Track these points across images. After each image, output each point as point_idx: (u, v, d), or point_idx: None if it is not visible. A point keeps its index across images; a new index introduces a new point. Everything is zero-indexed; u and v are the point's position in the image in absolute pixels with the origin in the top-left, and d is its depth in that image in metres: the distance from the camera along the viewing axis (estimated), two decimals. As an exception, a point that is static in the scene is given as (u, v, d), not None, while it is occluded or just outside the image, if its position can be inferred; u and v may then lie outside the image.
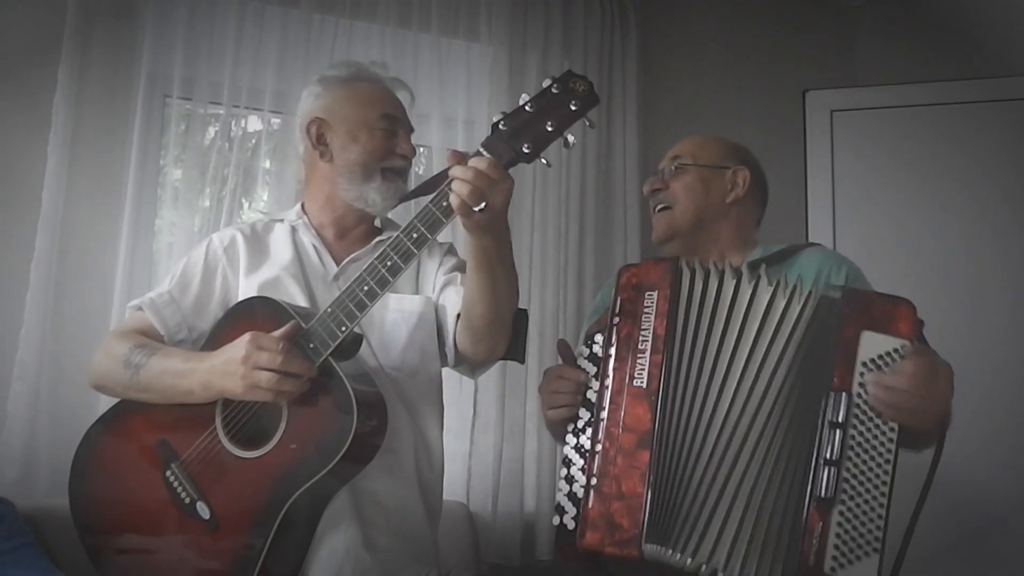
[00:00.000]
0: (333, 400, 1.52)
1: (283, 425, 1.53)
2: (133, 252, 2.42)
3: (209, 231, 2.49)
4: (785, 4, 3.38)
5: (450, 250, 1.91)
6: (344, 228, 1.85)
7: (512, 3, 2.89)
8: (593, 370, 1.60)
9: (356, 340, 1.56)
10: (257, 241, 1.83)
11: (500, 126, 1.45)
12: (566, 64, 2.93)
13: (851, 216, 3.09)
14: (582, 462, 1.55)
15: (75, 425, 2.17)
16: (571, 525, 1.52)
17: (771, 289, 1.54)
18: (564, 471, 1.58)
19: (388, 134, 1.80)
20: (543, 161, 1.48)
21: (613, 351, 1.55)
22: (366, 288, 1.51)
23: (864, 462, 1.43)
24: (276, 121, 2.66)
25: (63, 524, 1.75)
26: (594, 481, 1.49)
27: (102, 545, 1.65)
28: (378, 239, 1.84)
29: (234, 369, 1.49)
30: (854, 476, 1.42)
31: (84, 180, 2.38)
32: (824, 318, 1.50)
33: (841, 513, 1.41)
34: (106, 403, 2.10)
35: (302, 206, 1.89)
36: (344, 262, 1.79)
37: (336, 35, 2.68)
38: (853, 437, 1.44)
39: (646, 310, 1.55)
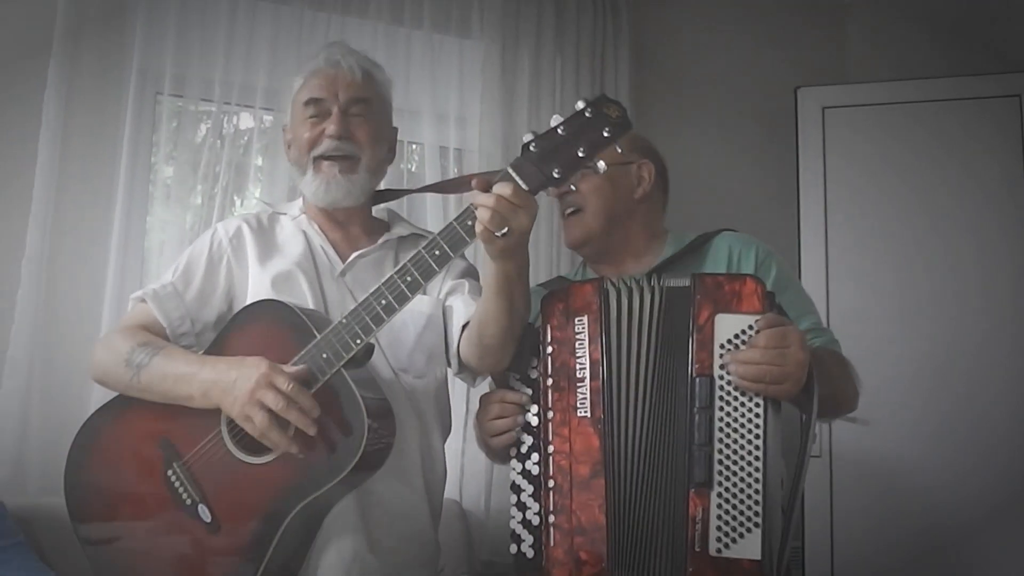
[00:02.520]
0: (343, 411, 1.50)
1: (292, 433, 1.50)
2: (124, 249, 2.41)
3: (201, 228, 2.48)
4: (777, 1, 3.39)
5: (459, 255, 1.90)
6: (337, 224, 1.83)
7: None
8: (529, 391, 1.60)
9: (368, 349, 1.54)
10: (264, 233, 1.81)
11: (531, 148, 1.41)
12: (558, 61, 2.93)
13: (843, 212, 3.09)
14: (532, 488, 1.56)
15: (66, 424, 2.16)
16: (530, 554, 1.54)
17: (640, 290, 1.55)
18: (514, 498, 1.58)
19: (315, 121, 1.75)
20: (571, 187, 1.50)
21: (551, 381, 1.55)
22: (384, 302, 1.49)
23: (735, 441, 1.45)
24: (268, 118, 2.65)
25: (54, 523, 1.74)
26: (552, 518, 1.50)
27: (96, 537, 1.63)
28: (386, 237, 1.82)
29: (236, 395, 1.47)
30: (727, 457, 1.44)
31: (75, 177, 2.37)
32: (677, 307, 1.52)
33: (719, 495, 1.43)
34: (98, 401, 2.10)
35: (303, 200, 1.88)
36: (351, 258, 1.78)
37: (328, 31, 2.67)
38: (722, 419, 1.45)
39: (578, 336, 1.54)
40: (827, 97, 3.18)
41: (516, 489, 1.58)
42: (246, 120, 2.75)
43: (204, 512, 1.54)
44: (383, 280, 1.50)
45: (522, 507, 1.57)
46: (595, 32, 2.99)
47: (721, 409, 1.46)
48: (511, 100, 2.85)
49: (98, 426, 1.68)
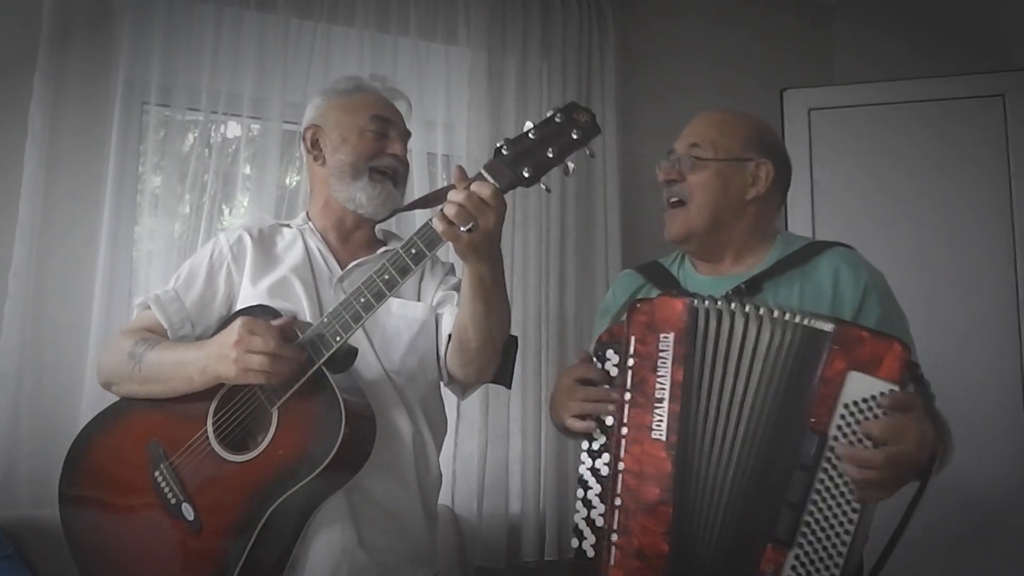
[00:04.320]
0: (323, 409, 1.53)
1: (272, 431, 1.55)
2: (112, 260, 2.41)
3: (189, 238, 2.49)
4: (762, 4, 3.41)
5: (451, 270, 1.94)
6: (345, 232, 1.88)
7: (491, 6, 2.89)
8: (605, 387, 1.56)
9: (351, 352, 1.57)
10: (264, 243, 1.85)
11: (503, 150, 1.47)
12: (545, 67, 2.94)
13: (830, 213, 3.11)
14: (599, 488, 1.53)
15: (55, 437, 2.17)
16: (590, 553, 1.51)
17: (758, 320, 1.45)
18: (581, 492, 1.54)
19: (378, 136, 1.83)
20: (543, 187, 1.51)
21: (629, 396, 1.49)
22: (362, 300, 1.54)
23: (830, 508, 1.36)
24: (255, 127, 2.65)
25: (44, 536, 1.75)
26: (615, 537, 1.46)
27: (88, 543, 1.66)
28: (384, 248, 1.87)
29: (227, 352, 1.52)
30: (817, 521, 1.36)
31: (62, 188, 2.37)
32: (803, 348, 1.42)
33: (797, 556, 1.36)
34: (87, 413, 2.10)
35: (307, 213, 1.92)
36: (350, 266, 1.82)
37: (314, 40, 2.68)
38: (823, 482, 1.36)
39: (662, 354, 1.48)
40: (813, 99, 3.20)
41: (583, 484, 1.54)
42: (233, 129, 2.75)
43: (187, 511, 1.57)
44: (363, 281, 1.55)
45: (587, 504, 1.53)
46: (581, 38, 3.00)
47: (825, 471, 1.36)
48: (498, 107, 2.86)
49: (91, 435, 1.72)
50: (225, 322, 1.70)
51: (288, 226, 1.91)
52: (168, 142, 2.58)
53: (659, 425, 1.46)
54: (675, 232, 1.80)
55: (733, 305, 1.47)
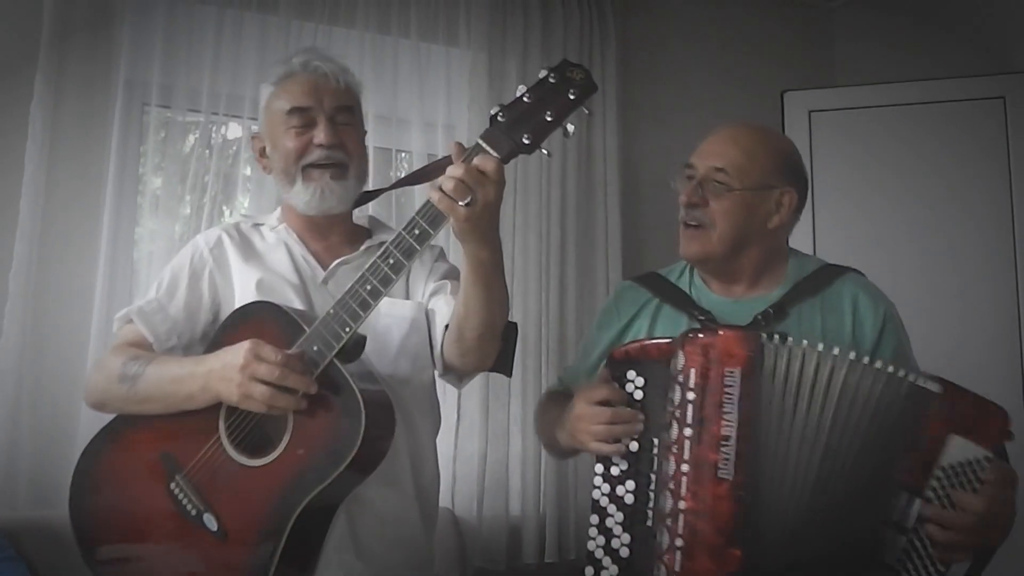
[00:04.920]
0: (340, 402, 1.49)
1: (289, 431, 1.49)
2: (113, 261, 2.41)
3: (190, 239, 2.47)
4: (763, 5, 3.41)
5: (440, 255, 1.88)
6: (320, 231, 1.81)
7: (491, 7, 2.89)
8: (642, 416, 1.49)
9: (360, 341, 1.52)
10: (245, 243, 1.80)
11: (499, 117, 1.43)
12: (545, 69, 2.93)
13: (830, 216, 3.11)
14: (622, 516, 1.46)
15: (56, 437, 2.17)
16: None
17: (847, 362, 1.41)
18: (596, 518, 1.48)
19: (300, 130, 1.71)
20: (544, 152, 1.45)
21: (689, 432, 1.40)
22: (369, 287, 1.48)
23: (915, 567, 1.35)
24: (256, 128, 2.65)
25: (45, 537, 1.74)
26: None
27: (108, 562, 1.61)
28: (367, 244, 1.81)
29: (231, 375, 1.46)
30: None
31: (62, 189, 2.36)
32: (907, 407, 1.39)
33: None
34: (88, 415, 2.10)
35: (282, 211, 1.86)
36: (332, 265, 1.76)
37: (315, 41, 2.66)
38: (911, 541, 1.35)
39: (727, 390, 1.40)
40: (813, 101, 3.20)
41: (600, 511, 1.48)
42: (234, 130, 2.76)
43: (210, 521, 1.52)
44: (367, 267, 1.49)
45: (606, 532, 1.47)
46: (582, 40, 2.99)
47: (915, 531, 1.35)
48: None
49: (99, 449, 1.66)
50: (224, 326, 1.65)
51: (263, 224, 1.85)
52: (169, 143, 2.58)
53: (725, 464, 1.38)
54: (693, 253, 1.75)
55: (805, 344, 1.42)
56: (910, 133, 3.10)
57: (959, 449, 1.35)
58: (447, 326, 1.68)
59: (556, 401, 1.81)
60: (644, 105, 3.15)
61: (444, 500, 2.63)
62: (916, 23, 3.30)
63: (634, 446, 1.47)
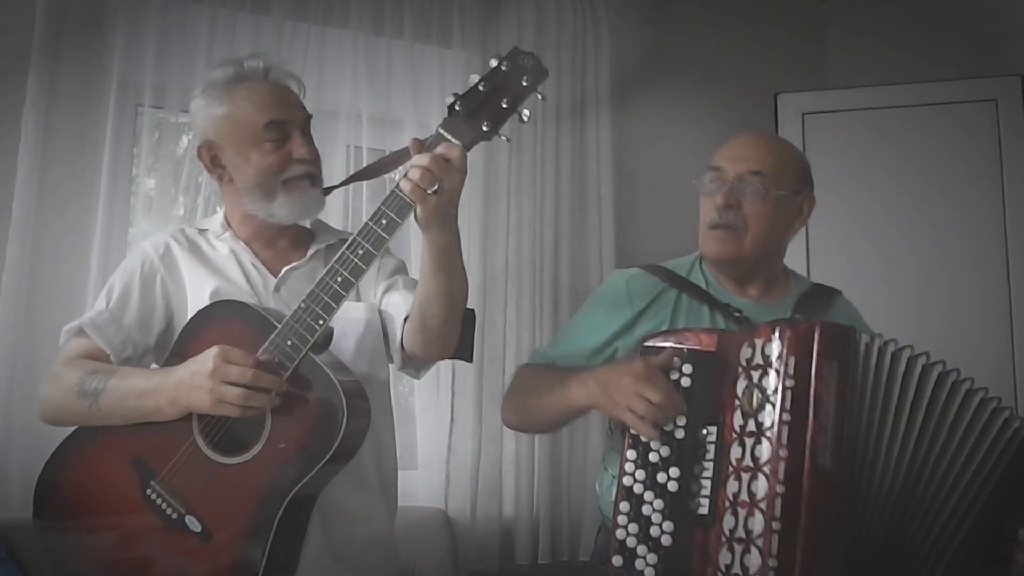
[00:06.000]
0: (319, 393, 1.50)
1: (268, 426, 1.50)
2: (106, 263, 2.40)
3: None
4: (756, 8, 3.41)
5: (386, 251, 1.83)
6: (269, 239, 1.79)
7: (485, 9, 2.89)
8: (684, 406, 1.47)
9: (328, 333, 1.55)
10: (194, 249, 1.77)
11: (456, 107, 1.48)
12: (540, 70, 2.94)
13: (823, 217, 3.09)
14: (661, 504, 1.44)
15: (48, 438, 2.14)
16: (649, 574, 1.42)
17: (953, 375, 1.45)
18: (626, 506, 1.46)
19: (277, 144, 1.69)
20: (503, 137, 1.51)
21: (788, 418, 1.38)
22: (340, 279, 1.49)
23: None
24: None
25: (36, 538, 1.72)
26: (772, 563, 1.35)
27: (87, 572, 1.57)
28: (314, 248, 1.80)
29: (201, 383, 1.46)
30: None
31: (55, 191, 2.36)
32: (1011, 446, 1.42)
33: None
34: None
35: (225, 219, 1.81)
36: (283, 271, 1.75)
37: (308, 42, 2.67)
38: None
39: (826, 381, 1.39)
40: (806, 103, 3.21)
41: (634, 498, 1.46)
42: (228, 131, 2.75)
43: (193, 523, 1.51)
44: (335, 259, 1.51)
45: (639, 519, 1.45)
46: (575, 41, 3.00)
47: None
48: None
49: (66, 458, 1.63)
50: (188, 330, 1.62)
51: (207, 230, 1.81)
52: (162, 144, 2.58)
53: (824, 451, 1.37)
54: (723, 254, 1.76)
55: (911, 347, 1.46)
56: (903, 135, 3.12)
57: None
58: (406, 318, 1.68)
59: (548, 372, 1.76)
60: (637, 105, 3.15)
61: (437, 501, 2.64)
62: (908, 25, 3.31)
63: (680, 433, 1.46)
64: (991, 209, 3.00)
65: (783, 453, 1.36)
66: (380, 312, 1.77)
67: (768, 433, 1.39)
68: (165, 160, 2.55)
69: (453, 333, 1.64)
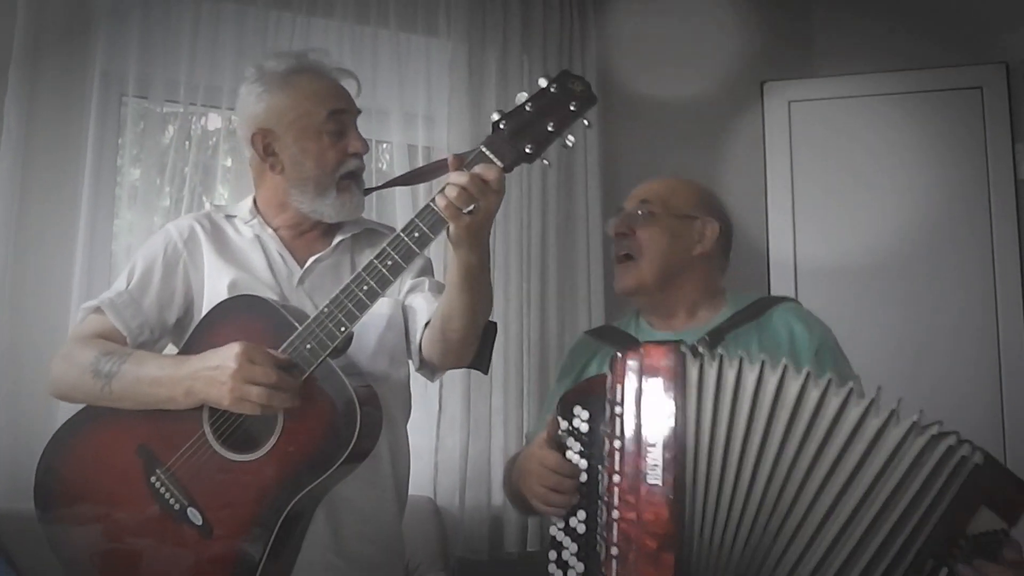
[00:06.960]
0: (333, 398, 1.49)
1: (279, 427, 1.48)
2: (91, 255, 2.40)
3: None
4: (742, -3, 3.41)
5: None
6: (301, 230, 1.77)
7: (471, -2, 2.89)
8: (578, 447, 1.50)
9: (348, 338, 1.53)
10: (218, 235, 1.75)
11: (500, 126, 1.44)
12: (525, 60, 2.95)
13: (810, 206, 3.13)
14: (576, 547, 1.47)
15: (34, 429, 2.16)
16: None
17: (805, 377, 1.38)
18: (554, 554, 1.49)
19: (337, 136, 1.68)
20: (545, 162, 1.48)
21: (619, 444, 1.40)
22: (366, 288, 1.47)
23: None
24: (235, 119, 2.64)
25: (23, 529, 1.71)
26: None
27: (84, 560, 1.56)
28: (339, 238, 1.77)
29: (223, 379, 1.43)
30: None
31: (39, 183, 2.35)
32: (947, 473, 1.36)
33: None
34: (66, 407, 2.08)
35: (255, 203, 1.78)
36: (308, 263, 1.72)
37: (294, 32, 2.66)
38: None
39: (651, 398, 1.40)
40: (793, 91, 3.22)
41: (556, 546, 1.49)
42: (214, 121, 2.75)
43: (195, 515, 1.50)
44: (363, 267, 1.49)
45: (563, 566, 1.48)
46: (562, 31, 3.00)
47: None
48: (479, 99, 2.86)
49: (68, 442, 1.61)
50: (207, 322, 1.60)
51: (236, 217, 1.79)
52: (147, 135, 2.57)
53: (654, 470, 1.38)
54: (626, 285, 1.85)
55: (741, 355, 1.41)
56: (889, 123, 3.13)
57: (985, 519, 1.35)
58: (427, 323, 1.68)
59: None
60: (623, 96, 3.15)
61: (426, 490, 2.65)
62: (894, 14, 3.32)
63: (583, 477, 1.49)
64: (976, 196, 3.02)
65: (617, 479, 1.39)
66: (404, 307, 1.75)
67: (606, 462, 1.43)
68: (150, 151, 2.54)
69: (472, 346, 1.63)
